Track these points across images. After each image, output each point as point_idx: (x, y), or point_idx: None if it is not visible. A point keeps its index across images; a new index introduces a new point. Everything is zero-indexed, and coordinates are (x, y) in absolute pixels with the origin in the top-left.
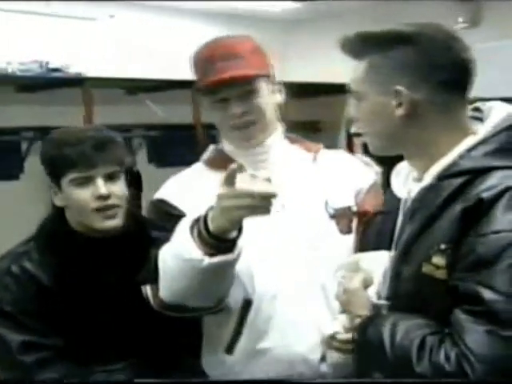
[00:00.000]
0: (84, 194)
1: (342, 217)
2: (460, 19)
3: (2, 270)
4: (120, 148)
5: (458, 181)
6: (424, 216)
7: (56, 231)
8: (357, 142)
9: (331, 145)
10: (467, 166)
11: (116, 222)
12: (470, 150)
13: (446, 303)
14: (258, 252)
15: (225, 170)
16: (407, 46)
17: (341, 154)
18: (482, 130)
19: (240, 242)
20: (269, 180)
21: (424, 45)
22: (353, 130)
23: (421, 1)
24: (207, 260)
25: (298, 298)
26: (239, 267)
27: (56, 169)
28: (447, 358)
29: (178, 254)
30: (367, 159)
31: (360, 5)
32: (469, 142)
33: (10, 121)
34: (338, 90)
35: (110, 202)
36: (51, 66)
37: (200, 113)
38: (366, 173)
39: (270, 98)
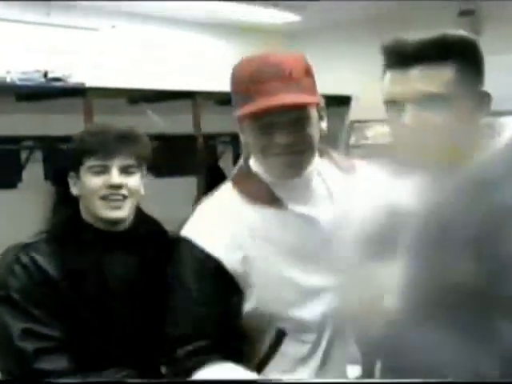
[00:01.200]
0: (97, 182)
1: None
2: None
3: (11, 258)
4: (142, 144)
5: None
6: None
7: (67, 222)
8: (356, 153)
9: None
10: None
11: (121, 214)
12: None
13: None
14: (300, 289)
15: (262, 204)
16: (480, 52)
17: (363, 167)
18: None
19: None
20: None
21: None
22: (352, 141)
23: (419, 14)
24: None
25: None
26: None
27: (77, 156)
28: None
29: None
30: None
31: (361, 16)
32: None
33: (10, 129)
34: (338, 101)
35: (121, 191)
36: (52, 75)
37: (200, 123)
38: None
39: (318, 126)
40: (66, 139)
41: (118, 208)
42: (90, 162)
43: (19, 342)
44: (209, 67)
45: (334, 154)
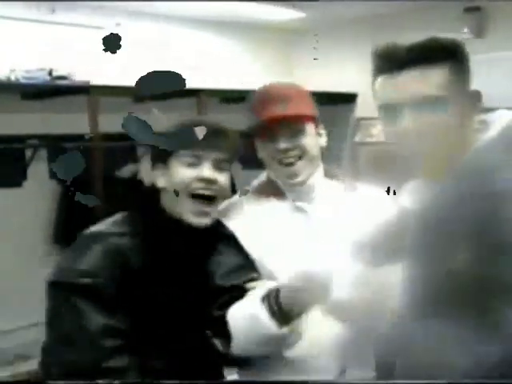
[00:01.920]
0: (189, 174)
1: None
2: (465, 30)
3: (98, 246)
4: (233, 139)
5: None
6: None
7: (150, 214)
8: (363, 151)
9: (337, 154)
10: None
11: (206, 221)
12: None
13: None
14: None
15: (273, 197)
16: (467, 53)
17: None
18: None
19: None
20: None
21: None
22: (357, 138)
23: (425, 11)
24: (284, 330)
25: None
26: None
27: None
28: None
29: (254, 327)
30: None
31: (367, 14)
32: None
33: (15, 128)
34: (345, 99)
35: (212, 187)
36: (57, 73)
37: None
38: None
39: (314, 140)
40: (71, 138)
41: (205, 215)
42: (183, 153)
43: (98, 339)
44: (214, 65)
45: (342, 177)
